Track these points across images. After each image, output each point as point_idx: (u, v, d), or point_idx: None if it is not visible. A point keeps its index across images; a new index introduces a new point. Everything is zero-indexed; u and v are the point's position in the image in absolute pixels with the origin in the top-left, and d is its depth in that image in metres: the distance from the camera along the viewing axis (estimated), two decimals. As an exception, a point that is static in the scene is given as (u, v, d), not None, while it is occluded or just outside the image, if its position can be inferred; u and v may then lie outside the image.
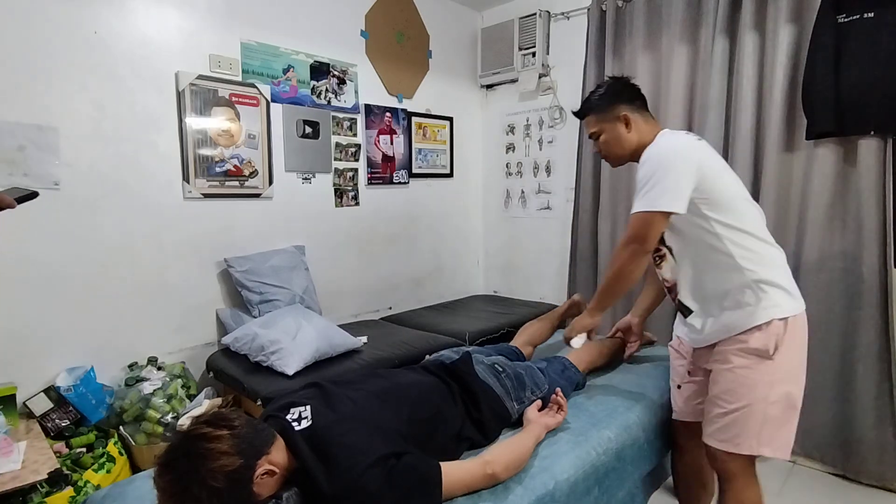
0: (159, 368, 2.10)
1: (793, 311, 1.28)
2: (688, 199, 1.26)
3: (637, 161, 1.40)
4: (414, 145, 3.22)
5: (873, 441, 2.01)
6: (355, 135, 2.89)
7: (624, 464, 1.43)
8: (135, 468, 1.90)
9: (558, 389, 1.45)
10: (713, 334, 1.36)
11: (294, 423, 1.09)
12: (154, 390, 1.97)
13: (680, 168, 1.27)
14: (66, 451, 1.78)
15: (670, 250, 1.43)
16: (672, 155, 1.30)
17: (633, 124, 1.43)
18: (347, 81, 2.82)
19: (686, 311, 1.43)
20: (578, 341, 1.57)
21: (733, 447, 1.31)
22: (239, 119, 2.39)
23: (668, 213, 1.27)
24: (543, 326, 1.99)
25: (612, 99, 1.46)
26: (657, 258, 1.48)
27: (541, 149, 3.31)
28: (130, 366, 2.12)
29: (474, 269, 3.74)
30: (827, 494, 2.05)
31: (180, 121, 2.22)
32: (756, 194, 2.24)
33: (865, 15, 1.92)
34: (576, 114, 1.57)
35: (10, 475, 1.48)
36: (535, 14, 3.09)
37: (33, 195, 1.22)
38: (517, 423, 1.42)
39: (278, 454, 1.03)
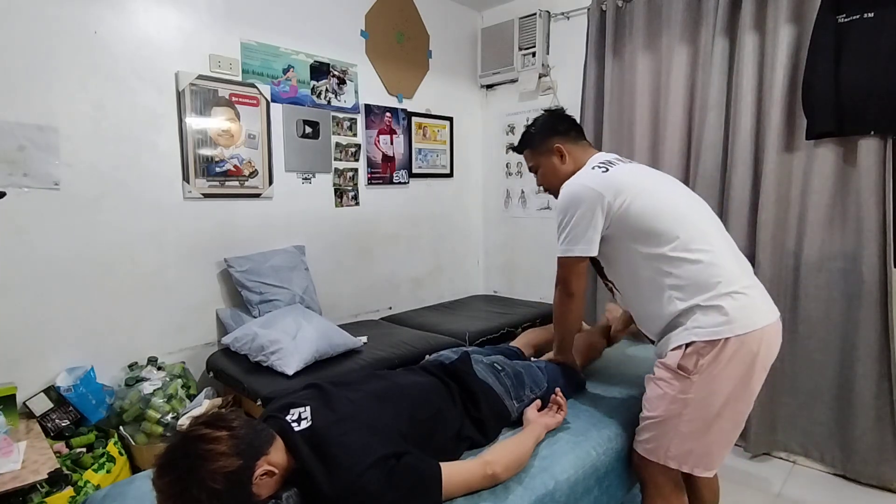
0: (159, 368, 2.10)
1: (724, 334, 1.20)
2: (597, 241, 1.32)
3: None
4: (414, 145, 3.22)
5: (873, 441, 2.01)
6: (355, 135, 2.89)
7: (624, 464, 1.43)
8: (135, 468, 1.90)
9: (558, 389, 1.45)
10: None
11: (294, 424, 1.09)
12: (154, 390, 1.97)
13: (583, 212, 1.31)
14: (66, 451, 1.78)
15: (613, 284, 1.45)
16: (574, 200, 1.33)
17: (568, 154, 1.48)
18: (347, 81, 2.82)
19: (650, 341, 1.45)
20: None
21: (645, 452, 1.34)
22: (239, 119, 2.39)
23: (582, 258, 1.34)
24: (546, 334, 1.97)
25: (545, 133, 1.52)
26: (610, 291, 1.53)
27: (541, 149, 3.31)
28: (130, 366, 2.12)
29: (474, 269, 3.74)
30: (827, 494, 2.05)
31: (180, 121, 2.22)
32: (756, 194, 2.24)
33: (865, 15, 1.92)
34: (514, 149, 1.63)
35: (10, 475, 1.48)
36: (535, 14, 3.09)
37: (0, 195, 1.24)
38: (517, 423, 1.42)
39: (277, 455, 1.02)
